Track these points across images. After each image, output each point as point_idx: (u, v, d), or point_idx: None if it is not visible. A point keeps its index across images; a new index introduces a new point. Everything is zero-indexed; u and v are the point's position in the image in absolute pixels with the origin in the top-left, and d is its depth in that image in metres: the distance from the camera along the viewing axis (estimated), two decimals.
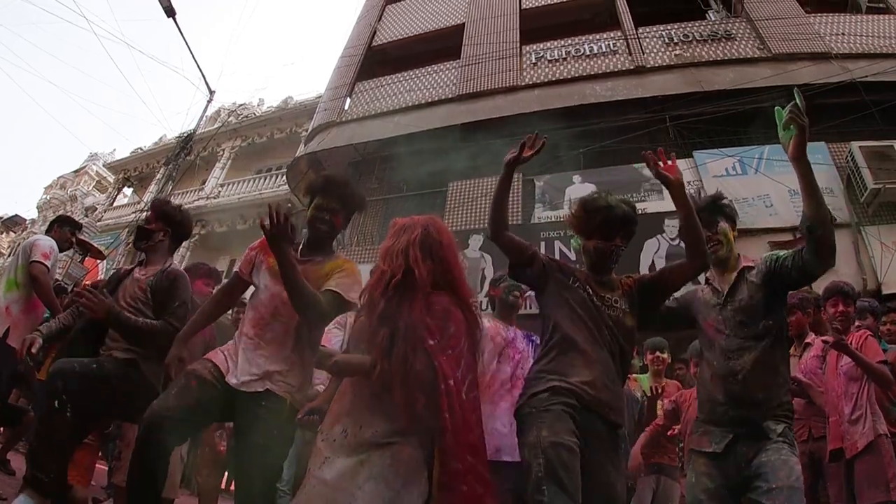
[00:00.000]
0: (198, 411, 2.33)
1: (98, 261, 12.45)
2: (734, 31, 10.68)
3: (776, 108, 2.38)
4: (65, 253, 5.18)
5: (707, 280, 2.69)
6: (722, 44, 10.53)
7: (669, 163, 2.55)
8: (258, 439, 2.29)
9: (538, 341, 3.35)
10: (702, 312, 2.57)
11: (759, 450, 2.22)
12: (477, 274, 8.13)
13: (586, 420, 2.14)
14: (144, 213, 3.48)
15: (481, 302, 6.99)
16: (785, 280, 2.37)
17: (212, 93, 14.47)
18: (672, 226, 7.78)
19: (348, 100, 13.01)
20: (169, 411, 2.25)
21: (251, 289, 2.79)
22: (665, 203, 8.22)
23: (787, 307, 3.88)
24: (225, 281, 3.35)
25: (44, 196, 27.97)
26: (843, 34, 9.96)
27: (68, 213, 23.65)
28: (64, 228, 4.52)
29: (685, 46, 10.64)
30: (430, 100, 11.81)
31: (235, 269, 2.88)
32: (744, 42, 10.43)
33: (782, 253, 2.41)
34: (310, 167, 12.75)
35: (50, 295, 3.99)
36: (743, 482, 2.22)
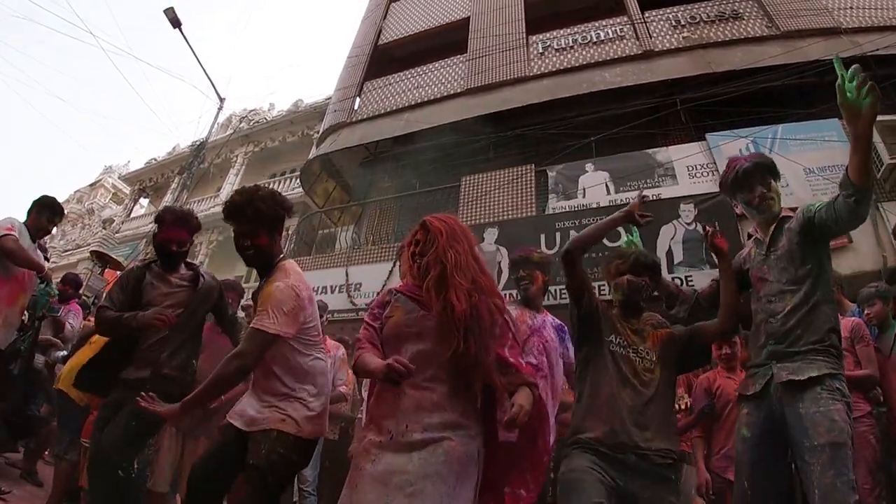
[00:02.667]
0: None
1: (117, 272, 12.60)
2: (741, 11, 10.57)
3: (839, 66, 2.19)
4: (84, 266, 5.18)
5: (749, 235, 2.74)
6: (730, 24, 10.43)
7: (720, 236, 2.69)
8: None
9: (567, 333, 3.42)
10: (750, 266, 2.64)
11: (796, 397, 2.19)
12: (494, 267, 8.15)
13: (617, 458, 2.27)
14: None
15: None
16: (822, 229, 2.36)
17: (222, 100, 14.55)
18: (687, 210, 7.76)
19: (358, 99, 13.06)
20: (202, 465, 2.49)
21: None
22: (679, 188, 8.22)
23: (871, 296, 4.04)
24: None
25: None
26: (851, 8, 9.82)
27: (87, 226, 23.97)
28: (42, 216, 4.16)
29: (693, 28, 10.56)
30: (439, 95, 11.82)
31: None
32: (752, 21, 10.33)
33: (816, 204, 2.41)
34: (323, 168, 12.84)
35: (29, 259, 3.92)
36: (784, 426, 2.22)
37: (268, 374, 2.52)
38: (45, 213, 4.18)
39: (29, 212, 4.16)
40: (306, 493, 4.63)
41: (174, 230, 3.37)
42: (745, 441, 2.33)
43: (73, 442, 4.30)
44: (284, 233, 2.98)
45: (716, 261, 2.69)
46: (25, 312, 4.16)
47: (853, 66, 2.04)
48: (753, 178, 2.58)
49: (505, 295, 2.92)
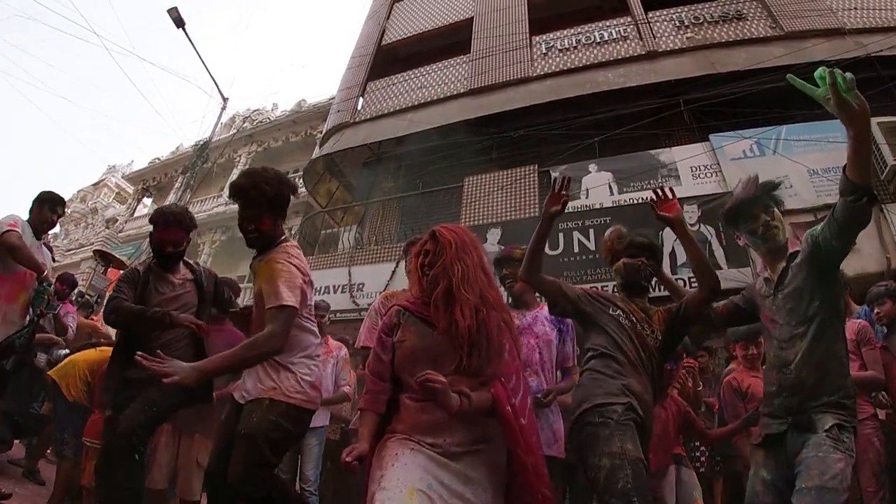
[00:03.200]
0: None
1: (121, 272, 12.61)
2: (745, 11, 10.56)
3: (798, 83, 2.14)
4: (87, 265, 5.12)
5: (759, 273, 2.66)
6: (733, 24, 10.42)
7: (669, 201, 2.71)
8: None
9: (568, 326, 3.40)
10: (759, 305, 2.55)
11: (804, 444, 2.15)
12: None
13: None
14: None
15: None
16: (828, 252, 2.26)
17: (225, 100, 14.61)
18: (691, 211, 7.75)
19: (361, 100, 13.08)
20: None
21: None
22: (682, 189, 8.19)
23: (880, 295, 4.01)
24: None
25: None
26: (855, 8, 9.80)
27: (90, 225, 24.01)
28: (43, 209, 4.10)
29: (696, 28, 10.55)
30: (442, 95, 11.83)
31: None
32: (755, 21, 10.32)
33: (817, 228, 2.32)
34: (326, 168, 12.85)
35: (31, 257, 3.90)
36: (794, 476, 2.16)
37: None
38: (46, 205, 4.13)
39: (31, 209, 4.14)
40: (308, 492, 4.62)
41: (169, 231, 3.36)
42: (766, 483, 2.28)
43: (71, 441, 4.31)
44: (287, 232, 2.97)
45: (718, 262, 2.69)
46: (30, 309, 4.14)
47: (821, 68, 1.95)
48: (756, 205, 2.49)
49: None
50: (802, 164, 7.62)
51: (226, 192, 18.20)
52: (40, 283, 4.04)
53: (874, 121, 7.50)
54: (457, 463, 1.91)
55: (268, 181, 2.66)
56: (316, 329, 2.81)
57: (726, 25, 10.45)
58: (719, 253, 7.40)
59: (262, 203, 2.64)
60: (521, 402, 2.04)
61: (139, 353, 2.13)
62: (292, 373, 2.57)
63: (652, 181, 8.45)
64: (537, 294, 3.43)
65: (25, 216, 4.07)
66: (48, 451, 5.60)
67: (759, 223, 2.48)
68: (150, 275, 3.37)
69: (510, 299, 3.54)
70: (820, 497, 1.98)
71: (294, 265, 2.57)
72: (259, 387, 2.53)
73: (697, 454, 4.82)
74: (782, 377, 2.31)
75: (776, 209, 2.52)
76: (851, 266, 6.52)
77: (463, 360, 1.96)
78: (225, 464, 2.45)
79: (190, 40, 12.54)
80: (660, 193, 2.68)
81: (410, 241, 3.85)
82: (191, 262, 3.59)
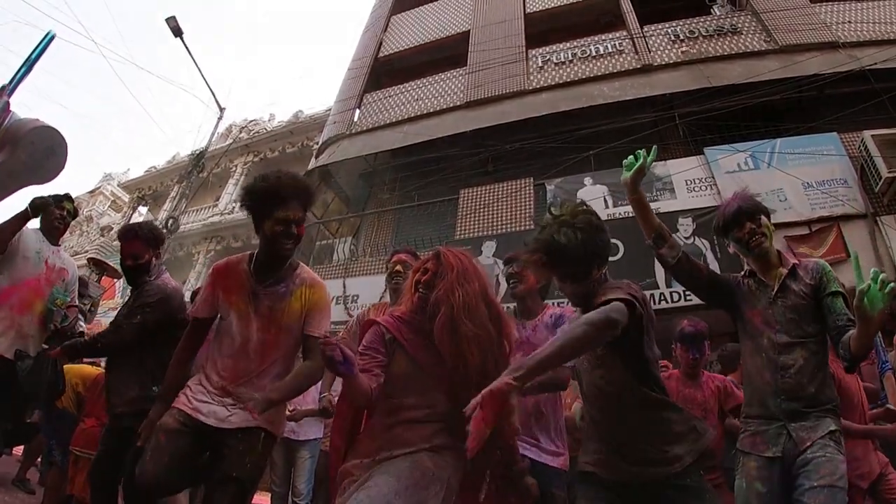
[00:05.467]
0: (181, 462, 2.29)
1: (115, 280, 12.55)
2: (740, 25, 10.65)
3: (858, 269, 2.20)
4: (82, 273, 4.80)
5: (750, 273, 2.66)
6: (728, 38, 10.50)
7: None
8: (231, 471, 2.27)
9: (566, 320, 3.15)
10: (748, 302, 2.59)
11: (805, 447, 2.23)
12: (492, 280, 8.12)
13: None
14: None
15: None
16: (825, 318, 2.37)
17: (222, 110, 14.56)
18: (686, 224, 7.76)
19: (357, 111, 13.09)
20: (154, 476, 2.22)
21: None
22: (678, 202, 8.22)
23: None
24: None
25: None
26: (849, 22, 9.89)
27: (84, 233, 23.93)
28: (48, 210, 3.67)
29: (691, 43, 10.62)
30: (438, 108, 11.87)
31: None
32: (750, 35, 10.39)
33: (832, 283, 2.42)
34: (321, 179, 12.84)
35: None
36: (792, 479, 2.23)
37: (279, 375, 2.43)
38: (49, 205, 3.69)
39: (35, 214, 3.65)
40: None
41: (126, 244, 3.25)
42: (762, 496, 2.29)
43: (58, 449, 4.29)
44: None
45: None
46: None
47: (881, 275, 2.02)
48: (742, 214, 2.60)
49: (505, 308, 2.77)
50: (797, 177, 7.64)
51: (222, 202, 18.20)
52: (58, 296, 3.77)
53: (868, 133, 7.56)
54: (390, 462, 1.91)
55: (312, 189, 2.59)
56: None
57: (721, 39, 10.52)
58: (714, 266, 7.39)
59: (308, 206, 2.48)
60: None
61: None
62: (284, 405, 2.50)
63: (647, 194, 8.45)
64: (541, 298, 3.33)
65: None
66: (38, 459, 5.58)
67: (745, 230, 2.58)
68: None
69: (514, 302, 3.36)
70: (832, 495, 2.09)
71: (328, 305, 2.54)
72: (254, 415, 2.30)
73: None
74: (780, 380, 2.36)
75: (762, 217, 2.61)
76: (846, 279, 6.52)
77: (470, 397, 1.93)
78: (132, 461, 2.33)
79: (188, 49, 12.54)
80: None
81: (395, 251, 3.81)
82: (150, 280, 3.30)
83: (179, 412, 2.32)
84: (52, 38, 3.66)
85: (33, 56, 3.60)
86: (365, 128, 12.50)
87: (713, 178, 8.26)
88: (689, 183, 8.39)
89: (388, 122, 12.26)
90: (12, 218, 3.43)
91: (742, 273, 2.70)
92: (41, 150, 3.10)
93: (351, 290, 9.68)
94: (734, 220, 2.62)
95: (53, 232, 3.79)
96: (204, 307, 2.56)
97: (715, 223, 2.76)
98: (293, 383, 2.33)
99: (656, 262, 7.32)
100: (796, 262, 2.58)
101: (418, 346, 2.12)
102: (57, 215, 3.74)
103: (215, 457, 2.31)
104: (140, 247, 3.24)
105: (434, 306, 2.06)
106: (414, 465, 1.89)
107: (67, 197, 3.86)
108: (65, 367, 4.45)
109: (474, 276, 2.14)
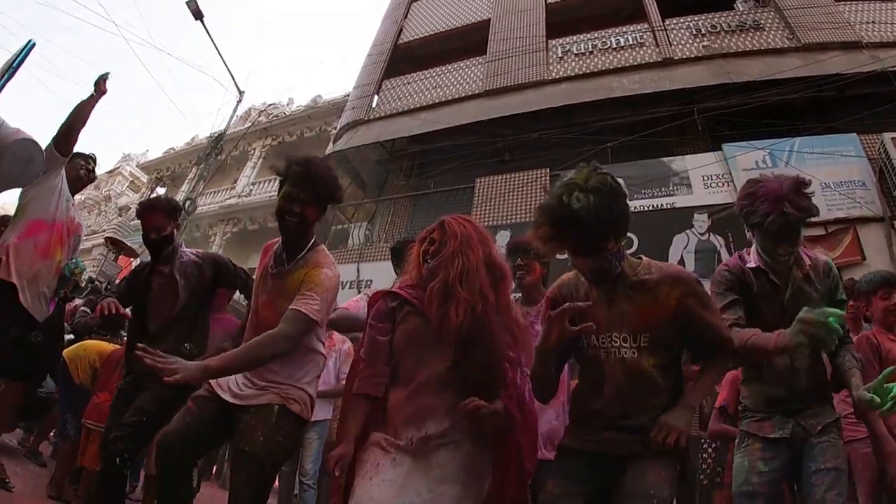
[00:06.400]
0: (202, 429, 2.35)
1: (131, 259, 12.70)
2: (762, 21, 10.55)
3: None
4: (98, 252, 4.82)
5: (761, 268, 2.48)
6: (750, 34, 10.42)
7: None
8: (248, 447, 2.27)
9: None
10: (761, 301, 2.47)
11: (814, 432, 2.33)
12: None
13: None
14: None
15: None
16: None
17: (241, 93, 14.58)
18: (701, 220, 7.76)
19: (376, 97, 13.13)
20: (177, 435, 2.30)
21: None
22: (694, 198, 8.21)
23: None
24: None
25: (78, 196, 28.39)
26: (873, 22, 9.79)
27: (102, 212, 24.18)
28: (74, 162, 3.70)
29: (713, 37, 10.55)
30: (457, 96, 11.89)
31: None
32: (772, 32, 10.31)
33: (839, 291, 2.50)
34: (338, 164, 12.90)
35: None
36: (794, 463, 2.35)
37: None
38: (77, 159, 3.74)
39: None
40: (306, 485, 4.66)
41: (147, 217, 3.31)
42: (763, 475, 2.35)
43: (73, 421, 4.37)
44: None
45: None
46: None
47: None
48: (791, 227, 2.37)
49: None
50: (815, 177, 7.58)
51: (239, 185, 18.31)
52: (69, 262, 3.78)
53: (889, 136, 7.50)
54: (433, 458, 1.92)
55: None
56: (324, 352, 2.66)
57: (743, 35, 10.45)
58: None
59: (318, 192, 2.46)
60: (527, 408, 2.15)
61: (140, 345, 2.00)
62: (298, 387, 2.42)
63: (664, 188, 8.46)
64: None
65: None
66: (51, 433, 5.67)
67: (785, 251, 2.41)
68: (151, 268, 3.34)
69: (520, 291, 3.38)
70: (838, 477, 2.24)
71: (336, 275, 2.46)
72: (269, 392, 2.35)
73: (704, 455, 4.69)
74: (791, 382, 2.39)
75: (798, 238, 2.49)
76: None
77: (458, 359, 1.97)
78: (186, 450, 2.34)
79: (208, 33, 12.57)
80: None
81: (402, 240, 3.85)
82: (187, 251, 3.41)
83: (208, 387, 2.39)
84: (33, 46, 3.74)
85: (14, 64, 3.69)
86: (383, 114, 12.55)
87: (731, 174, 8.23)
88: (706, 179, 8.37)
89: (406, 108, 12.31)
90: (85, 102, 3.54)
91: (748, 265, 2.53)
92: (22, 160, 3.16)
93: (365, 275, 9.76)
94: (781, 235, 2.38)
95: (76, 182, 3.79)
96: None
97: (754, 219, 2.42)
98: (245, 352, 2.23)
99: (671, 256, 7.42)
100: (809, 262, 2.49)
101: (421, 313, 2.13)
102: (83, 165, 3.79)
103: (232, 433, 2.34)
104: (162, 219, 3.31)
105: (432, 272, 2.08)
106: (464, 460, 1.94)
107: (93, 157, 3.95)
108: (84, 343, 4.58)
109: (478, 243, 2.13)
